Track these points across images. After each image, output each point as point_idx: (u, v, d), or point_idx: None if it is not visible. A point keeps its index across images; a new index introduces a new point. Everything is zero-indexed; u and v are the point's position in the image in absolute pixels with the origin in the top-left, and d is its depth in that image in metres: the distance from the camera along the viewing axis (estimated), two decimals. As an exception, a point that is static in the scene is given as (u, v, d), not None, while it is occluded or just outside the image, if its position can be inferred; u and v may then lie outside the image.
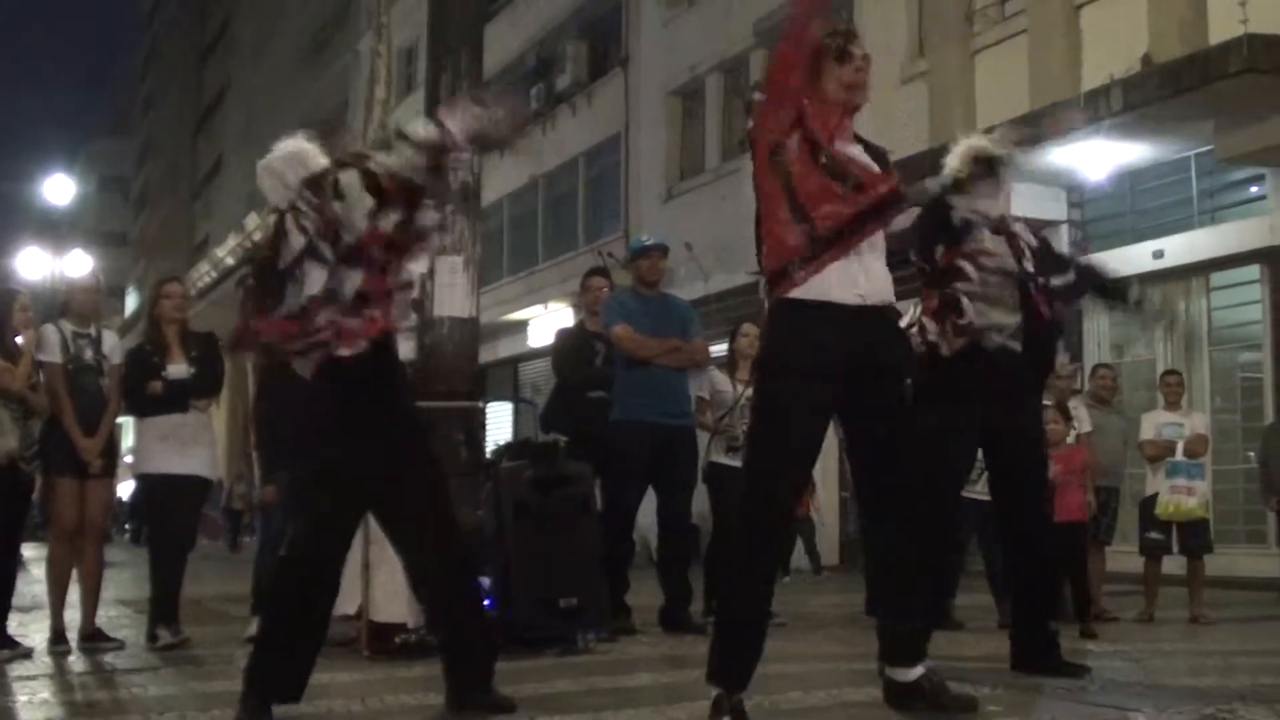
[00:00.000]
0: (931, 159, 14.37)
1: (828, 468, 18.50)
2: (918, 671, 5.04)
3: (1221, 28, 13.75)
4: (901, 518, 5.02)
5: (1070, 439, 9.99)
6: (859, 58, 5.00)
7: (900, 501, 5.01)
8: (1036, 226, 6.77)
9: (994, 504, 7.01)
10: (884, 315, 4.97)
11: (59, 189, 43.17)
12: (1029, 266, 6.57)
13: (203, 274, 39.61)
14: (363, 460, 5.21)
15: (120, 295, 76.31)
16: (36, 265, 39.57)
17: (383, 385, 5.27)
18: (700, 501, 9.80)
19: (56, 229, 44.05)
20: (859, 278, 4.86)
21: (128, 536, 32.31)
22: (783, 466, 4.90)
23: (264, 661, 5.16)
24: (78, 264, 9.72)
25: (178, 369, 8.60)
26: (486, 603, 7.69)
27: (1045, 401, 9.67)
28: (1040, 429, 6.85)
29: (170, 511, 8.67)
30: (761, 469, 4.94)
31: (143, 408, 8.59)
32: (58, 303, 9.10)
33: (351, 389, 5.18)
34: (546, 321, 25.82)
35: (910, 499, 5.01)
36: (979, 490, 9.21)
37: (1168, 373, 11.78)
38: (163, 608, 8.47)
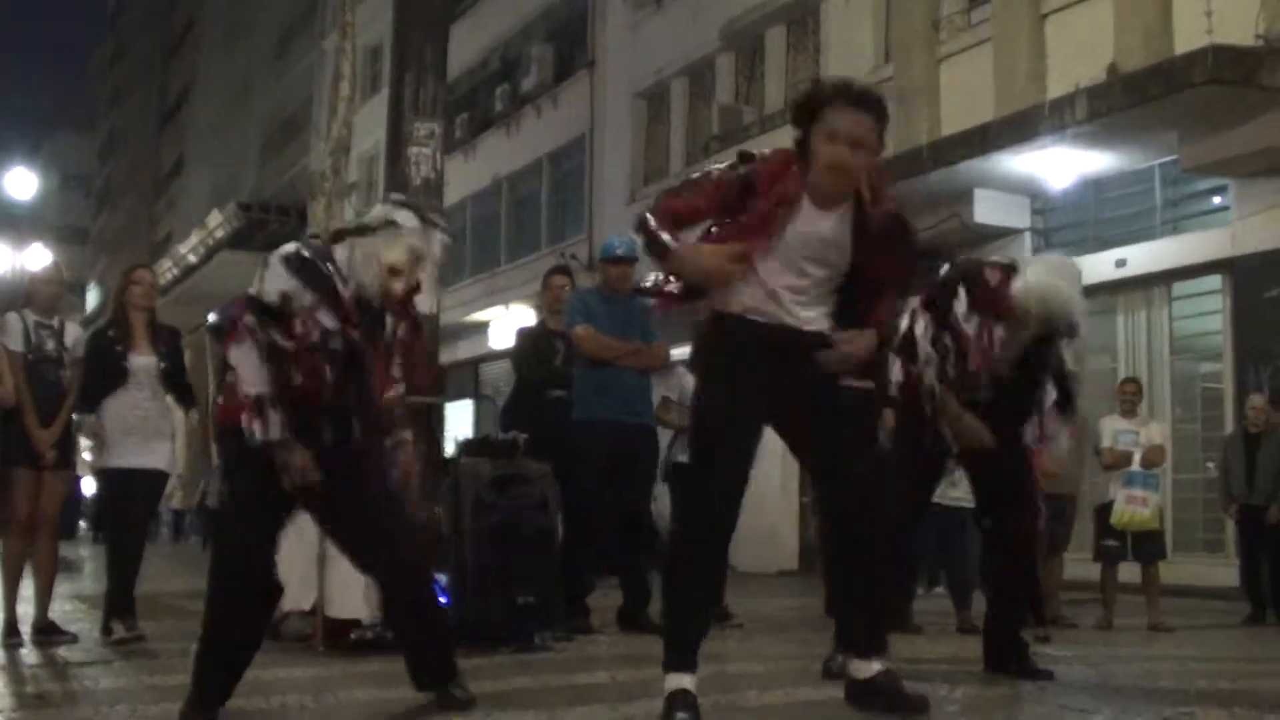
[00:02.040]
0: (896, 166, 14.45)
1: (787, 472, 18.49)
2: (877, 666, 5.03)
3: (1187, 38, 13.84)
4: (854, 529, 5.05)
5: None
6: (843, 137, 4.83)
7: (852, 515, 5.04)
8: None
9: (976, 513, 7.08)
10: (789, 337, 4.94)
11: (21, 183, 42.87)
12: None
13: (165, 270, 39.37)
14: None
15: (80, 291, 75.84)
16: (-2, 260, 39.27)
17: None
18: (663, 502, 9.78)
19: (17, 224, 43.70)
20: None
21: (87, 533, 32.06)
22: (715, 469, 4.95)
23: (208, 662, 5.14)
24: (39, 258, 9.63)
25: (142, 360, 8.50)
26: (441, 600, 7.68)
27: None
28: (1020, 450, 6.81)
29: (129, 505, 8.60)
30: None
31: (98, 394, 8.48)
32: (20, 294, 9.01)
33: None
34: (508, 323, 25.78)
35: (861, 509, 5.01)
36: (951, 497, 9.28)
37: (1125, 380, 11.84)
38: (118, 602, 8.38)
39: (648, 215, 4.86)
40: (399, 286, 5.21)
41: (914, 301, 6.54)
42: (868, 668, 5.04)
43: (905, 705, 4.98)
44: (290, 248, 5.22)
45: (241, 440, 5.09)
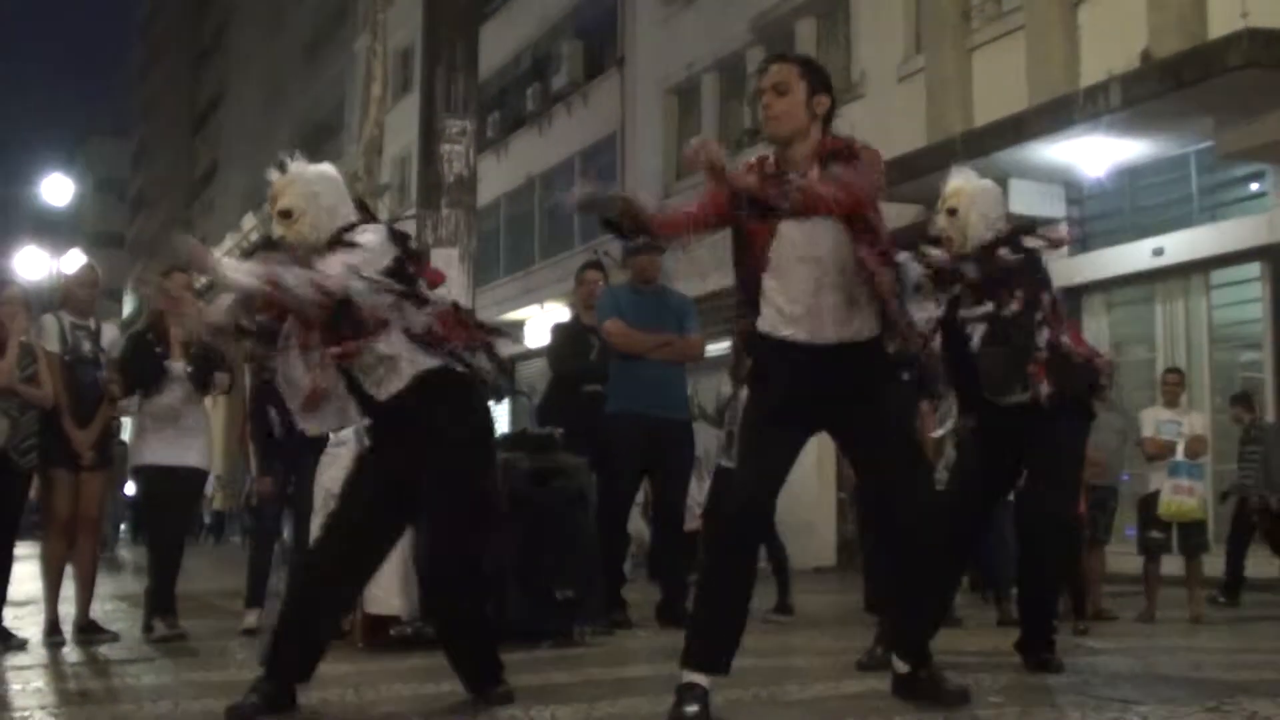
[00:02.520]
0: (928, 156, 14.41)
1: (824, 468, 18.45)
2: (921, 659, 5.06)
3: (1221, 22, 13.72)
4: (903, 539, 5.07)
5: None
6: (763, 90, 5.04)
7: (901, 526, 5.05)
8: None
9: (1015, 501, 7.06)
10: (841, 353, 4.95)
11: (57, 189, 43.09)
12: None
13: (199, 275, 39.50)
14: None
15: (118, 297, 76.25)
16: (35, 265, 39.52)
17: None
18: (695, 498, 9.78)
19: (55, 229, 44.06)
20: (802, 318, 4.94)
21: (126, 535, 32.23)
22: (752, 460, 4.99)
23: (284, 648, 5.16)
24: (75, 261, 9.67)
25: (180, 363, 8.54)
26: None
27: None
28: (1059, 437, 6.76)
29: (167, 503, 8.63)
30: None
31: (144, 388, 8.51)
32: (56, 296, 9.05)
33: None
34: (543, 321, 25.77)
35: (910, 522, 5.02)
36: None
37: (1169, 370, 11.73)
38: (159, 600, 8.43)
39: None
40: (281, 230, 5.25)
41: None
42: (915, 659, 5.06)
43: (946, 698, 4.96)
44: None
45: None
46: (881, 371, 5.04)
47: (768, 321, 4.95)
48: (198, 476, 8.85)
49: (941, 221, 6.46)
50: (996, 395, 6.35)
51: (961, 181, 6.56)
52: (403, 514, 5.40)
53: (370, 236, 5.15)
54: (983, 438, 6.60)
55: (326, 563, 5.28)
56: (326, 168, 5.46)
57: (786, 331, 4.91)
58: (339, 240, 5.13)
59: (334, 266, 4.99)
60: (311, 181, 5.29)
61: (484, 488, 5.50)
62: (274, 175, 5.31)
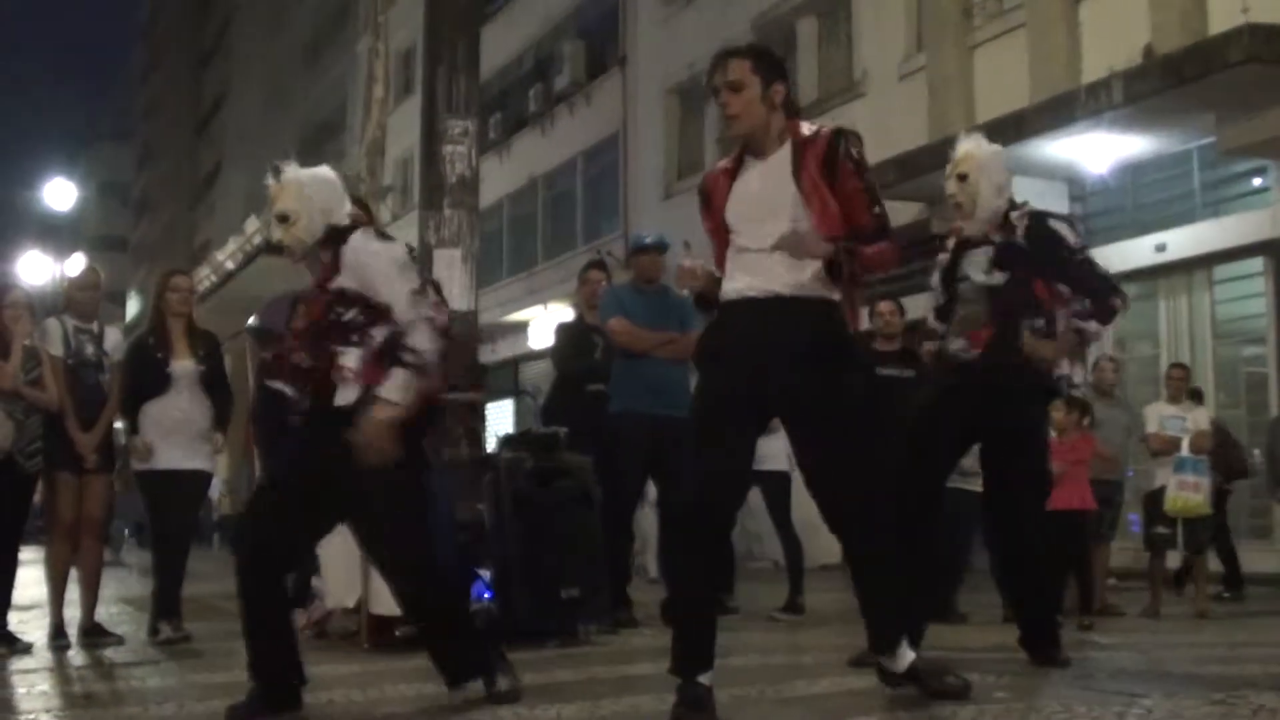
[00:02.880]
0: (930, 154, 14.41)
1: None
2: (907, 658, 5.00)
3: (1222, 18, 13.72)
4: (850, 526, 5.01)
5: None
6: (719, 89, 5.08)
7: (847, 510, 4.99)
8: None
9: (983, 497, 6.99)
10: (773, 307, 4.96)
11: (60, 194, 43.19)
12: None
13: (203, 278, 39.52)
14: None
15: (121, 300, 76.28)
16: (38, 270, 39.58)
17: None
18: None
19: (58, 234, 44.08)
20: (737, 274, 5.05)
21: (130, 539, 32.24)
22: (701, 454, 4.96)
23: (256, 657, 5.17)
24: (77, 264, 9.72)
25: (182, 366, 8.56)
26: (486, 595, 7.69)
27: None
28: (1034, 423, 6.76)
29: (172, 506, 8.63)
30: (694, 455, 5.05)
31: (140, 400, 8.52)
32: (60, 300, 9.07)
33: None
34: (546, 322, 25.81)
35: (856, 505, 4.97)
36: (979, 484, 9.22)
37: (1174, 365, 11.76)
38: (165, 603, 8.44)
39: None
40: (280, 234, 5.30)
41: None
42: (901, 660, 5.01)
43: (946, 690, 4.95)
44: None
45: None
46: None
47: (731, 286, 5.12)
48: (202, 479, 8.86)
49: (951, 186, 6.53)
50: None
51: (972, 146, 6.60)
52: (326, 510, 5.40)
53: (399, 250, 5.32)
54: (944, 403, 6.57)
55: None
56: (323, 170, 5.48)
57: (753, 282, 5.07)
58: (332, 238, 5.24)
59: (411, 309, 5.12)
60: (305, 184, 5.31)
61: (417, 481, 5.46)
62: (270, 180, 5.36)
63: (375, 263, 5.18)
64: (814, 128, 5.11)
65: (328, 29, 45.38)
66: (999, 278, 6.39)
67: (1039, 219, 6.53)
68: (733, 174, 5.18)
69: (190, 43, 73.17)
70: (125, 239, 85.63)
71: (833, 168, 4.98)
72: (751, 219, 5.03)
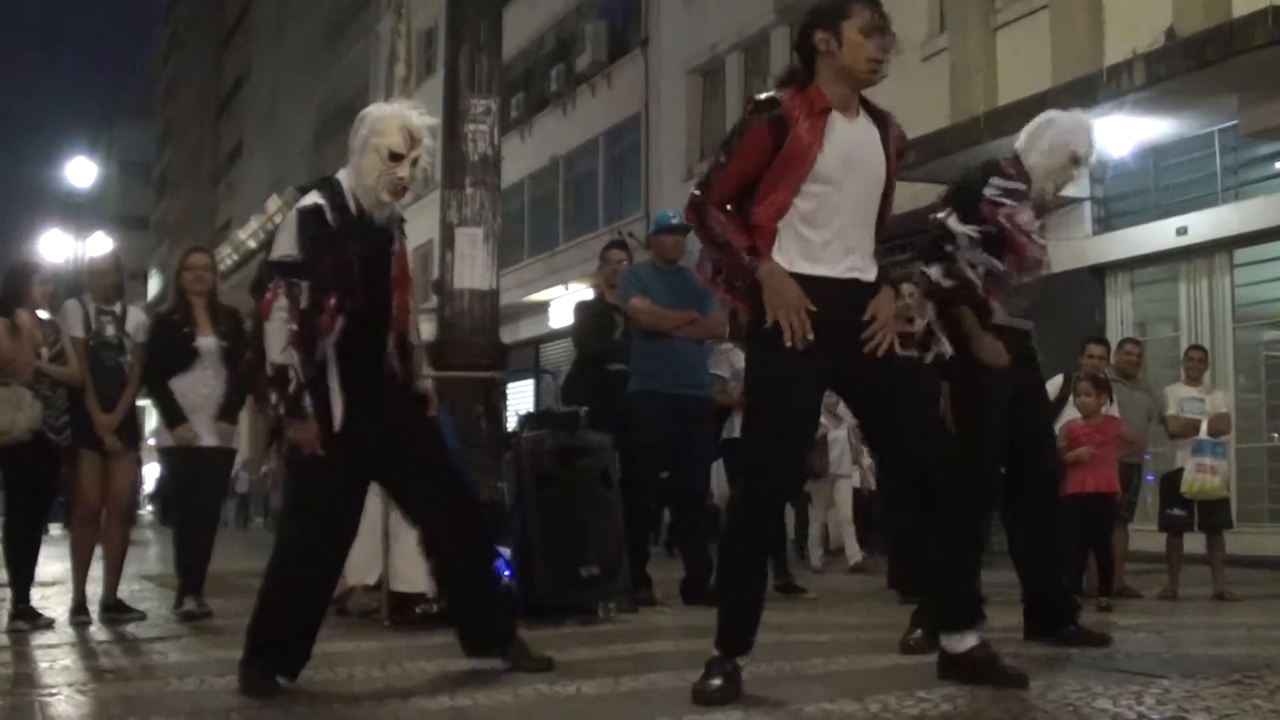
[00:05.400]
0: (951, 136, 14.37)
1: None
2: (970, 641, 4.94)
3: (1245, 0, 13.64)
4: (920, 493, 4.96)
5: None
6: (885, 28, 4.93)
7: (916, 478, 4.96)
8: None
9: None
10: (849, 287, 4.87)
11: (81, 172, 43.27)
12: None
13: (224, 257, 39.66)
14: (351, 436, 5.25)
15: (143, 279, 76.54)
16: (59, 248, 39.70)
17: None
18: (719, 480, 9.77)
19: (79, 212, 44.16)
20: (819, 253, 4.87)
21: (151, 515, 32.40)
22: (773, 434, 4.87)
23: (266, 630, 5.24)
24: (100, 246, 9.72)
25: (206, 342, 8.57)
26: (506, 573, 7.72)
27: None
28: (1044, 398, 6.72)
29: (199, 483, 8.67)
30: (753, 437, 4.98)
31: (166, 375, 8.54)
32: (82, 281, 9.12)
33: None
34: (567, 302, 25.81)
35: (924, 473, 4.93)
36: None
37: (1193, 348, 11.71)
38: (190, 579, 8.49)
39: (708, 219, 4.88)
40: (403, 174, 5.24)
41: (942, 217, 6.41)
42: (961, 641, 4.95)
43: (1006, 679, 4.86)
44: (307, 202, 5.31)
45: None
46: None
47: (793, 261, 4.98)
48: (227, 456, 8.89)
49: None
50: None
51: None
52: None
53: None
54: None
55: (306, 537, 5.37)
56: None
57: (823, 259, 4.95)
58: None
59: None
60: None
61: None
62: (409, 113, 5.34)
63: None
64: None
65: (349, 8, 45.39)
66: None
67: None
68: (825, 114, 4.88)
69: (212, 22, 73.28)
70: (146, 218, 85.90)
71: (901, 154, 5.09)
72: (855, 169, 4.88)
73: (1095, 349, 10.82)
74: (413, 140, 5.25)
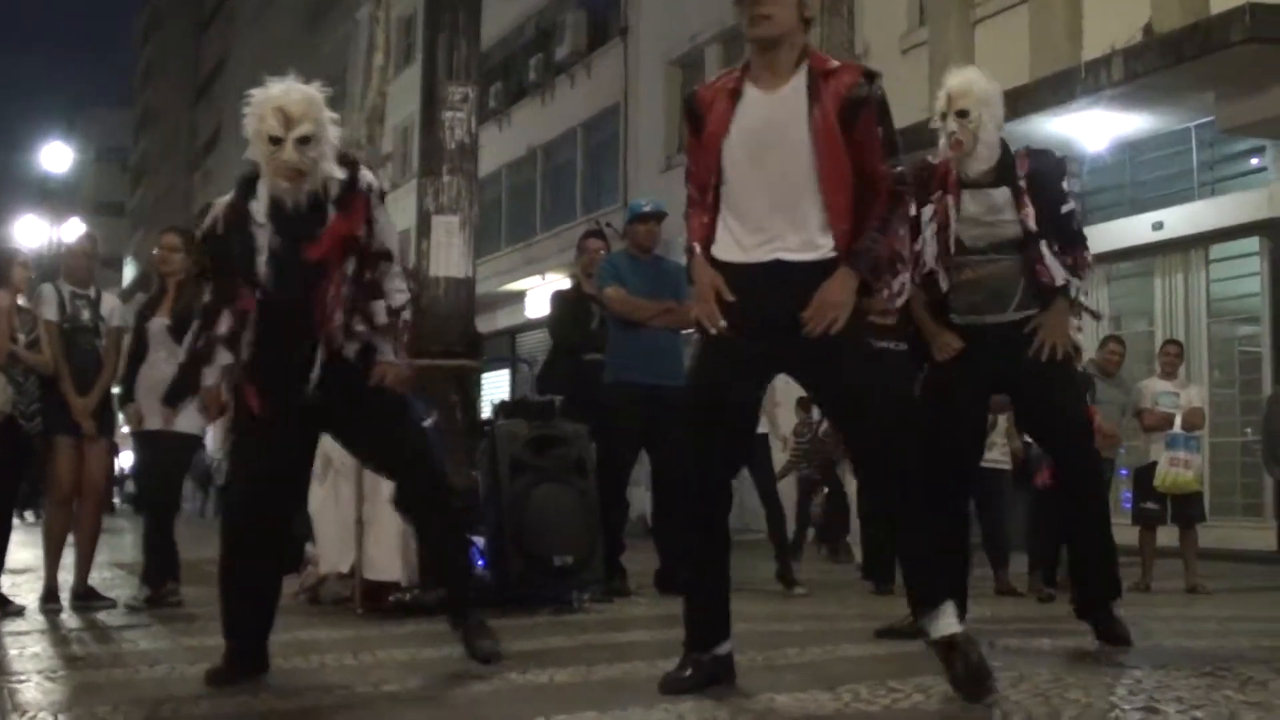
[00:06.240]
0: (932, 130, 14.30)
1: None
2: (951, 626, 4.55)
3: (1223, -3, 13.69)
4: (880, 475, 4.80)
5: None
6: None
7: (874, 459, 4.78)
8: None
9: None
10: (775, 271, 4.62)
11: (57, 157, 43.09)
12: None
13: (200, 244, 39.55)
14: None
15: (118, 265, 76.25)
16: (34, 233, 39.55)
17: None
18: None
19: (55, 198, 44.00)
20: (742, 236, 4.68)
21: (120, 503, 32.27)
22: (709, 419, 4.75)
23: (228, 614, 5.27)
24: (74, 230, 9.69)
25: (156, 323, 8.50)
26: (480, 562, 7.71)
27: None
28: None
29: (152, 468, 8.65)
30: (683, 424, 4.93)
31: (133, 363, 8.53)
32: (57, 265, 9.06)
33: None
34: (544, 292, 25.80)
35: (874, 457, 4.76)
36: (988, 459, 9.27)
37: (1168, 342, 11.76)
38: (150, 565, 8.46)
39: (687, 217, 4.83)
40: (284, 156, 5.04)
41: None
42: (943, 625, 4.55)
43: (974, 681, 4.45)
44: (219, 200, 5.33)
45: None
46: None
47: (721, 247, 4.80)
48: (186, 441, 8.69)
49: (951, 124, 6.12)
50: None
51: (972, 77, 6.24)
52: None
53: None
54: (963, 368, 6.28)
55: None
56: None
57: (751, 243, 4.73)
58: (371, 194, 5.27)
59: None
60: (325, 106, 5.20)
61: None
62: (281, 92, 5.14)
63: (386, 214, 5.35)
64: (837, 62, 4.70)
65: (328, -4, 45.28)
66: (1030, 219, 6.08)
67: (1041, 153, 6.36)
68: (735, 96, 4.68)
69: (190, 8, 72.98)
70: (123, 204, 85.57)
71: (854, 110, 4.55)
72: (753, 161, 4.62)
73: (1115, 346, 10.91)
74: (288, 119, 5.04)
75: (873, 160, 4.56)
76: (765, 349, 4.63)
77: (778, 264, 4.59)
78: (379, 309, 5.25)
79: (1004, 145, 6.24)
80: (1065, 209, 6.24)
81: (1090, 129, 15.39)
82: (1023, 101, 15.17)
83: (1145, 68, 13.90)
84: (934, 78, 18.23)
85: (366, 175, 5.28)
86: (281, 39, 52.10)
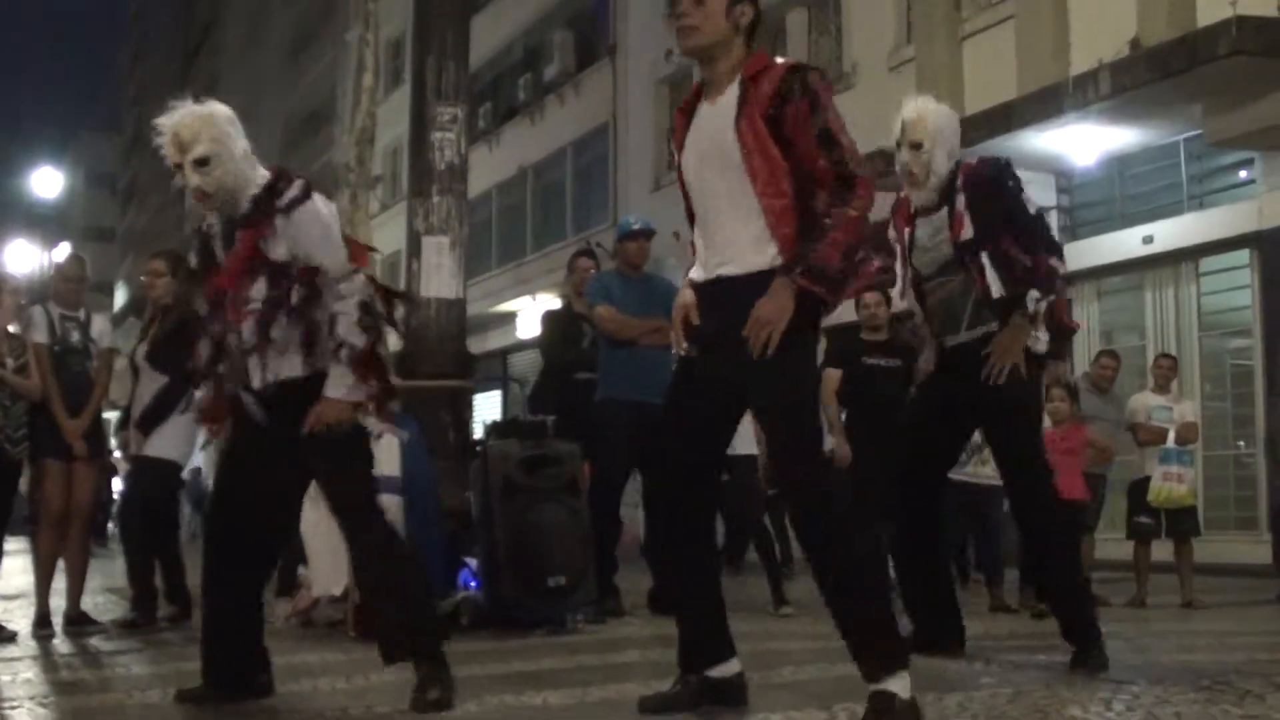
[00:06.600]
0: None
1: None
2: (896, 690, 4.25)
3: (1210, 11, 13.72)
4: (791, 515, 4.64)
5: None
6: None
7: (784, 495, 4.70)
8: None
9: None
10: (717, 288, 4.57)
11: (47, 182, 43.17)
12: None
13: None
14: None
15: (109, 291, 76.16)
16: (25, 258, 39.56)
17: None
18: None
19: (45, 223, 44.07)
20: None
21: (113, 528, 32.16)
22: (663, 438, 4.73)
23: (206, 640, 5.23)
24: (64, 253, 9.72)
25: (141, 348, 8.59)
26: (472, 583, 7.67)
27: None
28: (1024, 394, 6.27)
29: (132, 493, 8.70)
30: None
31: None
32: (47, 289, 9.06)
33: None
34: (535, 313, 25.78)
35: (786, 493, 4.65)
36: (984, 475, 9.28)
37: (1162, 356, 11.75)
38: (136, 590, 8.46)
39: None
40: (188, 180, 4.98)
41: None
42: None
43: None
44: None
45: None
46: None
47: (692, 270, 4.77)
48: (163, 468, 8.58)
49: (904, 155, 6.13)
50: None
51: (923, 109, 6.21)
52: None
53: (324, 208, 5.06)
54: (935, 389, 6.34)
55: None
56: (224, 107, 5.18)
57: (706, 264, 4.69)
58: (277, 209, 4.97)
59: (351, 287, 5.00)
60: (224, 123, 5.03)
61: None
62: (175, 118, 5.01)
63: (315, 220, 5.00)
64: (771, 62, 4.53)
65: (317, 18, 45.31)
66: (963, 232, 6.06)
67: (981, 161, 6.28)
68: (689, 112, 4.67)
69: (178, 33, 73.03)
70: (113, 229, 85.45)
71: (781, 108, 4.39)
72: (700, 177, 4.57)
73: (1108, 361, 10.92)
74: (182, 144, 4.96)
75: (811, 157, 4.38)
76: (721, 368, 4.53)
77: (720, 280, 4.54)
78: (317, 335, 4.99)
79: (955, 166, 6.21)
80: (1024, 211, 6.16)
81: (1079, 143, 15.42)
82: (1011, 117, 15.25)
83: (1133, 82, 13.93)
84: (922, 94, 18.24)
85: (291, 189, 5.01)
86: (269, 63, 52.21)
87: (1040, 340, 6.12)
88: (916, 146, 6.10)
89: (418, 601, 5.24)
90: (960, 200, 6.12)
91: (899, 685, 4.20)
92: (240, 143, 5.04)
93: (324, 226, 5.03)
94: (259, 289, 4.97)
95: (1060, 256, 6.21)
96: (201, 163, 4.95)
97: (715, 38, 4.52)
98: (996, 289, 6.03)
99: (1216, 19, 13.19)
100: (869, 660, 4.28)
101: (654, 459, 4.79)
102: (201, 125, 4.99)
